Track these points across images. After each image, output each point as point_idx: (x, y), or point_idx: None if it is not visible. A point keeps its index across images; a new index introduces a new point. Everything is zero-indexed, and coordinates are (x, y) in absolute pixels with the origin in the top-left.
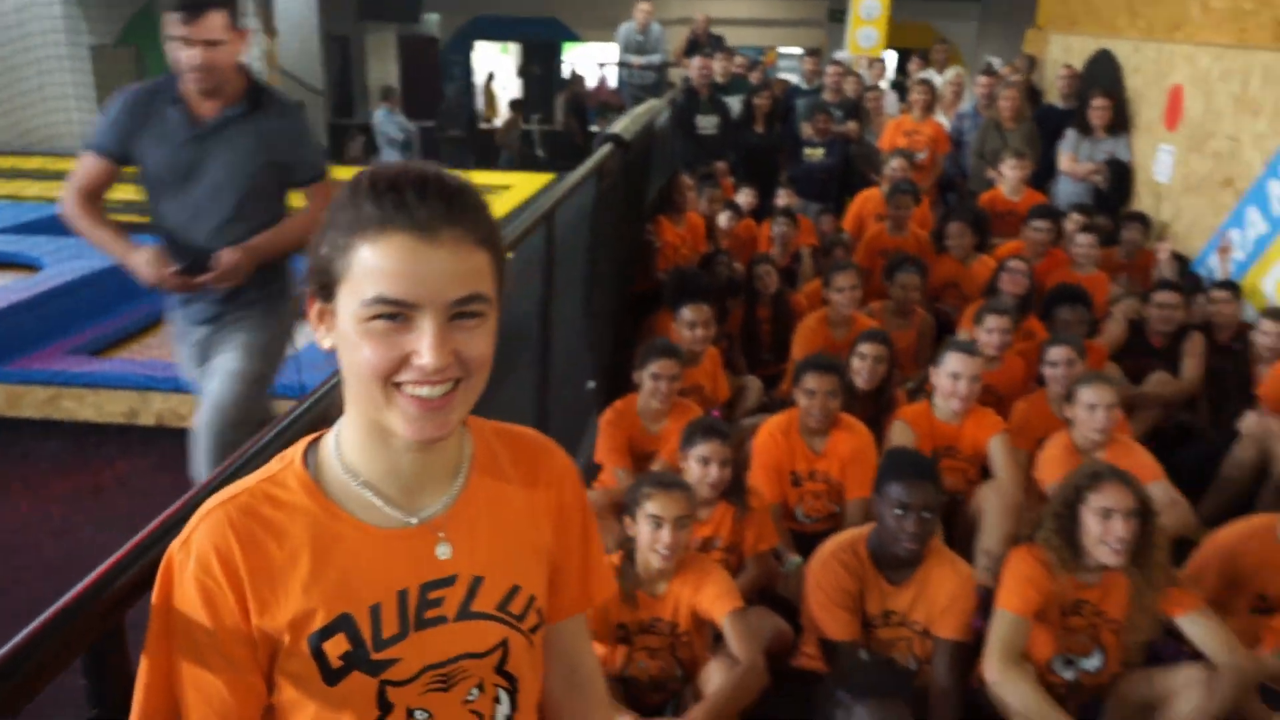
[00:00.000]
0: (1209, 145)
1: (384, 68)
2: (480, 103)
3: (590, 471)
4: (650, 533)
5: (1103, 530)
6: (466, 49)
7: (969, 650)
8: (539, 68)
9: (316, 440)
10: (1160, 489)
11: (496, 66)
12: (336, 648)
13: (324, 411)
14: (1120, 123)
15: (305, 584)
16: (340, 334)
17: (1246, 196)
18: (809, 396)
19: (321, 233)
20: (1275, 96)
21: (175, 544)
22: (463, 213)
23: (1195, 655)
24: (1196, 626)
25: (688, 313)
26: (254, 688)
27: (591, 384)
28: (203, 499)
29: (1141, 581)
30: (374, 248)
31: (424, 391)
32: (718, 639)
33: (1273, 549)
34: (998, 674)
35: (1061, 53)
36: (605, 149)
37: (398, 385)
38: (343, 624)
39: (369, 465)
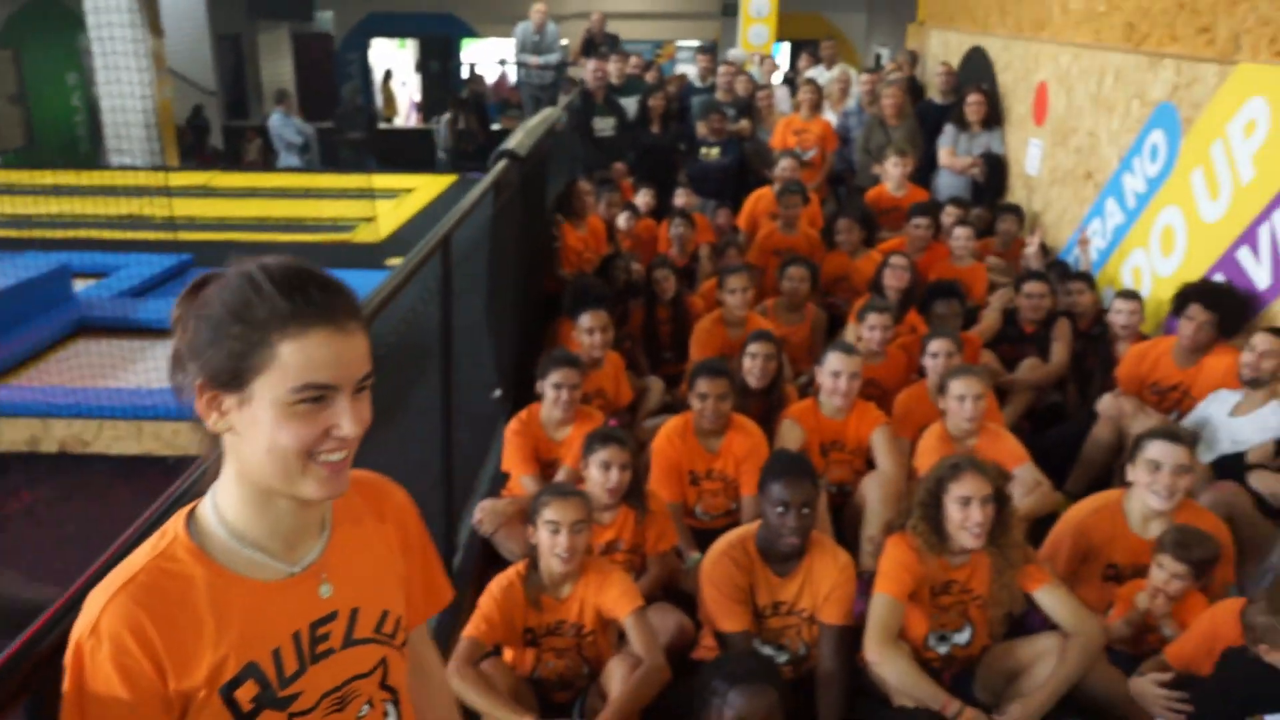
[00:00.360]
0: (1072, 140)
1: (278, 66)
2: (379, 101)
3: (499, 480)
4: (549, 538)
5: (962, 516)
6: (363, 46)
7: (853, 633)
8: (437, 64)
9: (194, 510)
10: (1026, 471)
11: (394, 63)
12: (247, 693)
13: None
14: (995, 117)
15: (213, 644)
16: (251, 419)
17: (1105, 188)
18: (701, 400)
19: (217, 328)
20: (1126, 95)
21: (81, 633)
22: (355, 305)
23: (1056, 625)
24: (1049, 599)
25: (586, 319)
26: None
27: (498, 393)
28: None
29: (1000, 561)
30: (296, 344)
31: (335, 456)
32: (622, 636)
33: (1118, 522)
34: (876, 653)
35: (940, 48)
36: (501, 165)
37: (313, 456)
38: (250, 672)
39: (253, 526)
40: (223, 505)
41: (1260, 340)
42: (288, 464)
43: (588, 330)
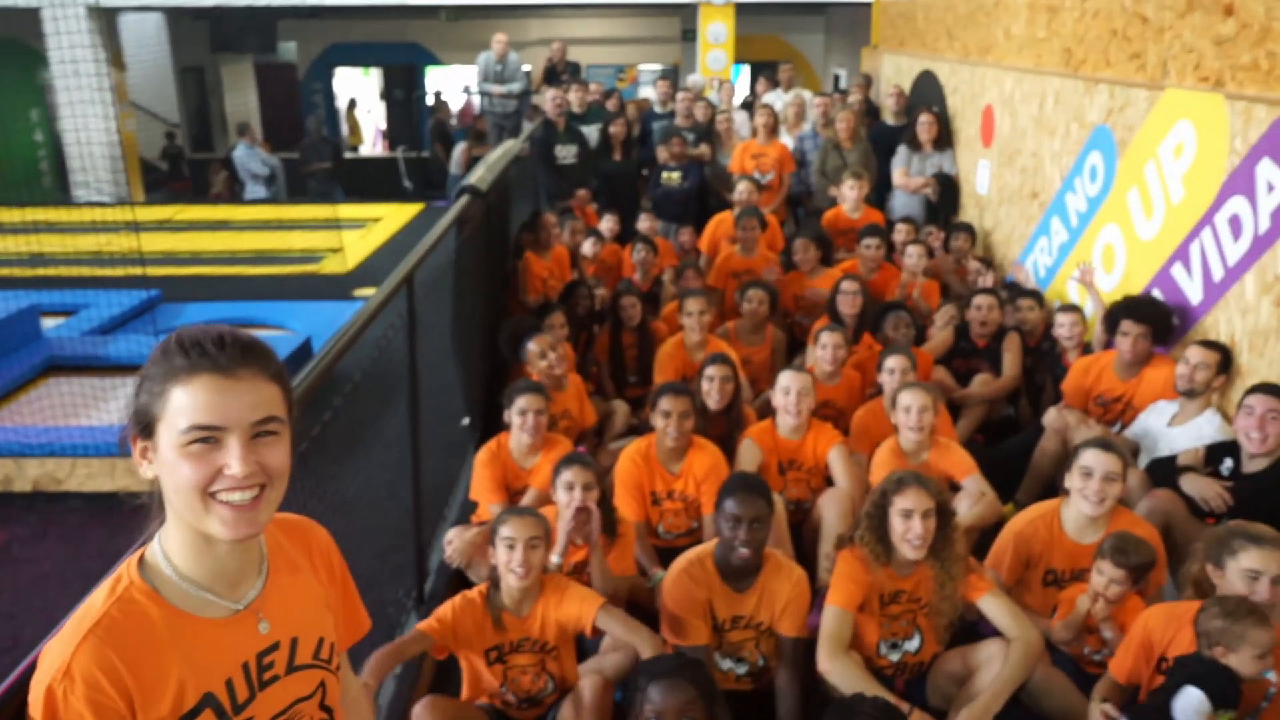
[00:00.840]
0: (1017, 161)
1: (242, 97)
2: (344, 130)
3: (469, 507)
4: (505, 554)
5: (904, 528)
6: (327, 76)
7: (809, 644)
8: (402, 92)
9: (143, 556)
10: (973, 482)
11: (358, 92)
12: (201, 716)
13: None
14: (945, 138)
15: (174, 678)
16: (161, 461)
17: (1050, 207)
18: (665, 418)
19: (138, 385)
20: (1066, 118)
21: (53, 678)
22: (255, 356)
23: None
24: (990, 606)
25: (532, 347)
26: None
27: (466, 420)
28: None
29: (942, 573)
30: (185, 389)
31: (235, 497)
32: (583, 657)
33: (1055, 529)
34: (827, 663)
35: (893, 71)
36: (463, 200)
37: (213, 495)
38: (208, 701)
39: (198, 568)
40: (169, 549)
41: (1193, 353)
42: (191, 502)
43: (539, 355)
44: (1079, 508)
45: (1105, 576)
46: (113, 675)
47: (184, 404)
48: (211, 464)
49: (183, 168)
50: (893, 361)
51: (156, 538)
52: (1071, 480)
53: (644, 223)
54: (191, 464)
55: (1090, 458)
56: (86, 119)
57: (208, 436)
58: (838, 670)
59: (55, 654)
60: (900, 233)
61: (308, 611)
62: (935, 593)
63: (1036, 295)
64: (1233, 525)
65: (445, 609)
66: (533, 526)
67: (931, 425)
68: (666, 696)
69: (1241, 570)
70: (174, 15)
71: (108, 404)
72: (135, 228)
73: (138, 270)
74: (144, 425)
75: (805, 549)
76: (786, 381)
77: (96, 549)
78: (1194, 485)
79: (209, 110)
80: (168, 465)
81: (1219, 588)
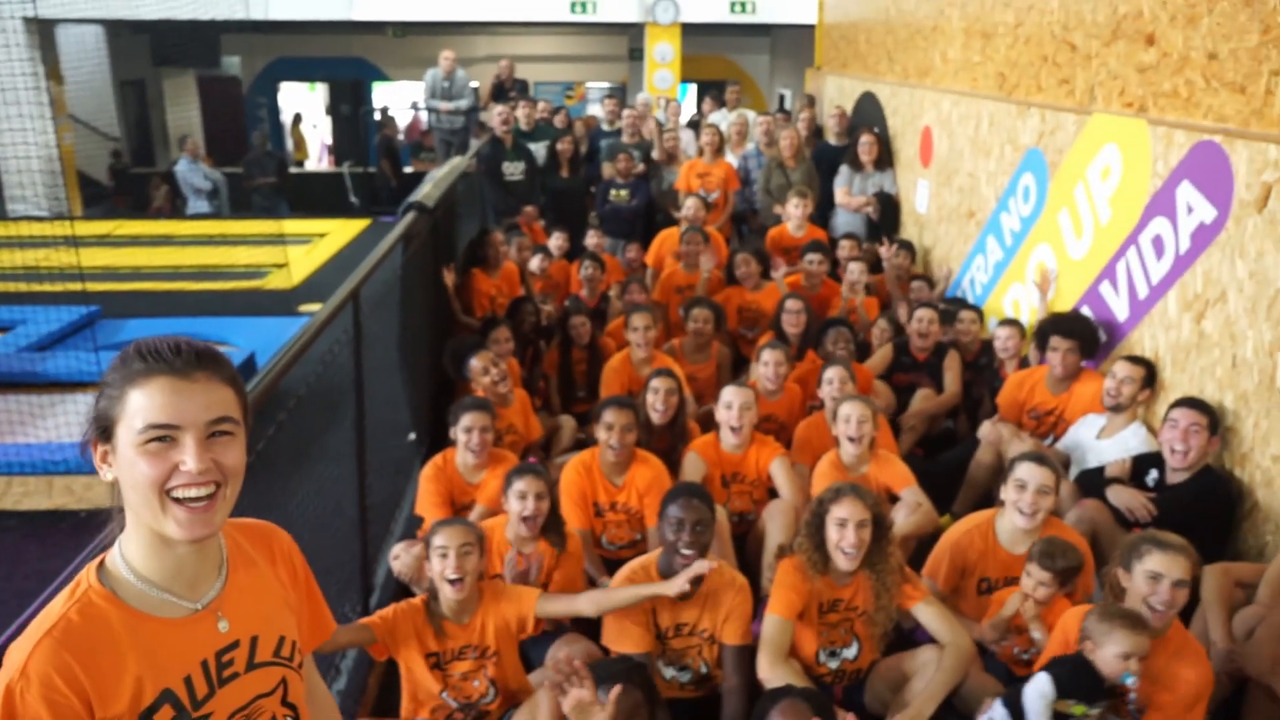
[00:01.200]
0: (955, 180)
1: (184, 111)
2: (289, 144)
3: (415, 521)
4: (439, 563)
5: (839, 537)
6: (272, 90)
7: (752, 651)
8: (348, 108)
9: (102, 562)
10: (910, 493)
11: (304, 107)
12: (164, 717)
13: None
14: (886, 158)
15: (132, 677)
16: (120, 462)
17: (986, 226)
18: (608, 430)
19: (99, 393)
20: (1000, 140)
21: (10, 678)
22: (210, 360)
23: None
24: (925, 614)
25: (475, 363)
26: None
27: (412, 436)
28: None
29: (878, 582)
30: (142, 391)
31: (191, 493)
32: (530, 668)
33: (990, 540)
34: (767, 671)
35: (836, 92)
36: (410, 217)
37: (169, 493)
38: (166, 697)
39: (157, 570)
40: (128, 554)
41: (1120, 368)
42: (149, 500)
43: (482, 371)
44: (1013, 519)
45: (1034, 579)
46: (67, 675)
47: (141, 405)
48: (168, 461)
49: (124, 183)
50: (830, 373)
51: (117, 543)
52: (1007, 492)
53: (591, 239)
54: (148, 461)
55: (1025, 471)
56: (24, 132)
57: (164, 435)
58: (777, 679)
59: (15, 655)
60: (843, 249)
61: (268, 610)
62: (871, 602)
63: (976, 309)
64: (1144, 532)
65: (388, 609)
66: (464, 534)
67: (871, 437)
68: (617, 700)
69: (1145, 572)
70: (113, 28)
71: (45, 421)
72: (74, 243)
73: (76, 286)
74: (103, 429)
75: (749, 560)
76: (729, 397)
77: (33, 568)
78: (1120, 497)
79: (150, 124)
80: (126, 464)
81: (1127, 591)
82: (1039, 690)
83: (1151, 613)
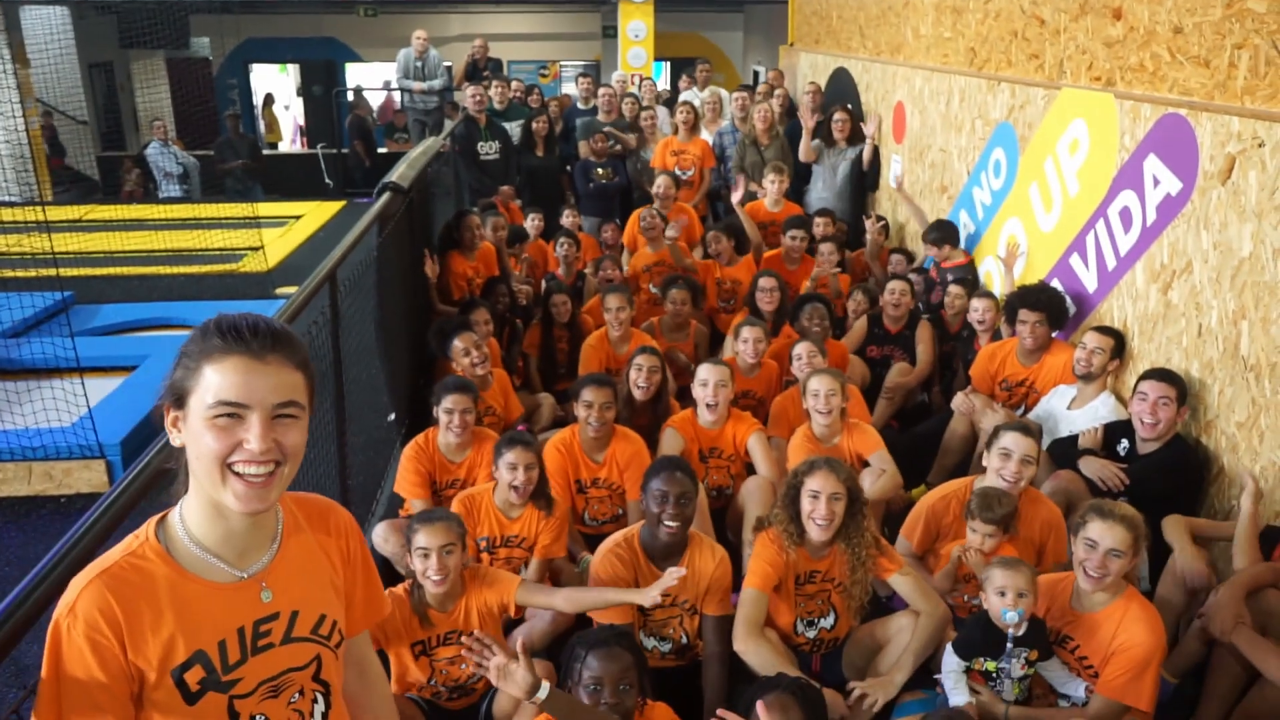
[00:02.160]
0: (927, 156)
1: (154, 94)
2: (261, 126)
3: (396, 500)
4: (421, 563)
5: (811, 508)
6: (243, 72)
7: (732, 620)
8: (320, 88)
9: (164, 518)
10: (877, 459)
11: (276, 88)
12: (194, 676)
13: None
14: (859, 134)
15: (169, 632)
16: (190, 431)
17: (958, 201)
18: (587, 408)
19: (176, 361)
20: (971, 115)
21: (60, 612)
22: (284, 345)
23: None
24: (900, 583)
25: (458, 344)
26: (125, 710)
27: (392, 416)
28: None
29: (852, 554)
30: (217, 367)
31: (250, 470)
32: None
33: (965, 507)
34: (742, 643)
35: (809, 68)
36: (385, 198)
37: (230, 467)
38: (198, 658)
39: (209, 535)
40: (186, 516)
41: (1090, 338)
42: (211, 471)
43: (463, 353)
44: (994, 486)
45: (979, 533)
46: (110, 618)
47: (214, 381)
48: (233, 437)
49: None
50: (799, 349)
51: (179, 504)
52: (990, 460)
53: (567, 219)
54: (215, 435)
55: (1010, 440)
56: None
57: (232, 412)
58: (752, 651)
59: (69, 592)
60: (818, 226)
61: (312, 587)
62: (847, 575)
63: (966, 283)
64: (1094, 500)
65: None
66: (445, 533)
67: (841, 408)
68: (605, 664)
69: (1084, 539)
70: (79, 9)
71: (21, 408)
72: (46, 228)
73: (49, 271)
74: (177, 397)
75: (727, 534)
76: (705, 374)
77: (14, 555)
78: (1091, 467)
79: (119, 107)
80: (194, 434)
81: (1073, 556)
82: (946, 664)
83: (1086, 578)
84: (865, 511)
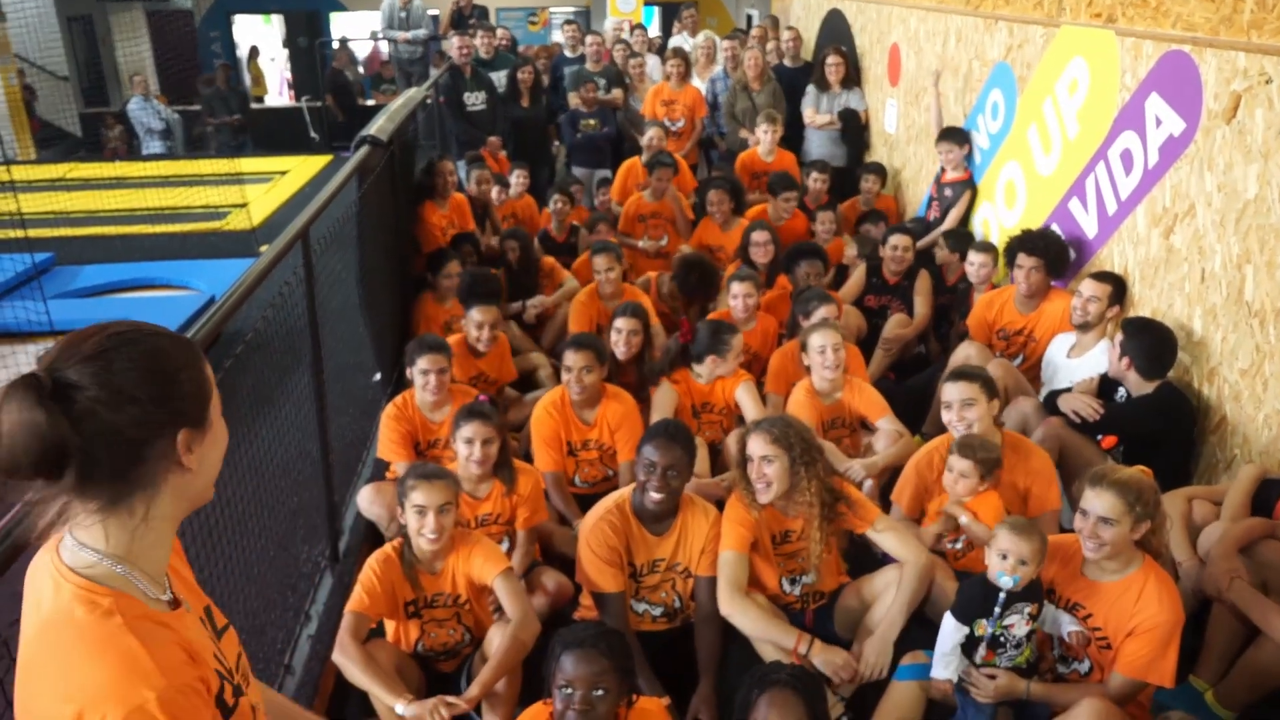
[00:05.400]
0: (923, 99)
1: (135, 47)
2: (247, 80)
3: (382, 464)
4: (416, 520)
5: (751, 472)
6: (225, 23)
7: None
8: (305, 39)
9: (89, 579)
10: (887, 422)
11: (260, 40)
12: (226, 692)
13: None
14: (853, 77)
15: (201, 669)
16: (213, 438)
17: None
18: (568, 372)
19: (185, 372)
20: (968, 56)
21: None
22: None
23: None
24: (879, 536)
25: (476, 314)
26: None
27: (377, 376)
28: None
29: (809, 511)
30: None
31: None
32: (499, 609)
33: (946, 461)
34: (728, 606)
35: (802, 10)
36: (363, 151)
37: None
38: (221, 675)
39: (152, 564)
40: (134, 554)
41: (1086, 286)
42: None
43: (478, 324)
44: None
45: (955, 471)
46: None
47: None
48: None
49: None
50: (825, 310)
51: (99, 555)
52: (946, 415)
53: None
54: None
55: (948, 391)
56: None
57: None
58: (739, 613)
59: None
60: (815, 182)
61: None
62: (805, 534)
63: (909, 233)
64: (1094, 469)
65: (370, 580)
66: (442, 492)
67: (844, 362)
68: (578, 666)
69: (1080, 508)
70: None
71: None
72: (23, 188)
73: (34, 232)
74: (200, 414)
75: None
76: (736, 289)
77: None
78: (1067, 402)
79: (100, 62)
80: (218, 434)
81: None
82: (945, 629)
83: (1085, 548)
84: (817, 471)
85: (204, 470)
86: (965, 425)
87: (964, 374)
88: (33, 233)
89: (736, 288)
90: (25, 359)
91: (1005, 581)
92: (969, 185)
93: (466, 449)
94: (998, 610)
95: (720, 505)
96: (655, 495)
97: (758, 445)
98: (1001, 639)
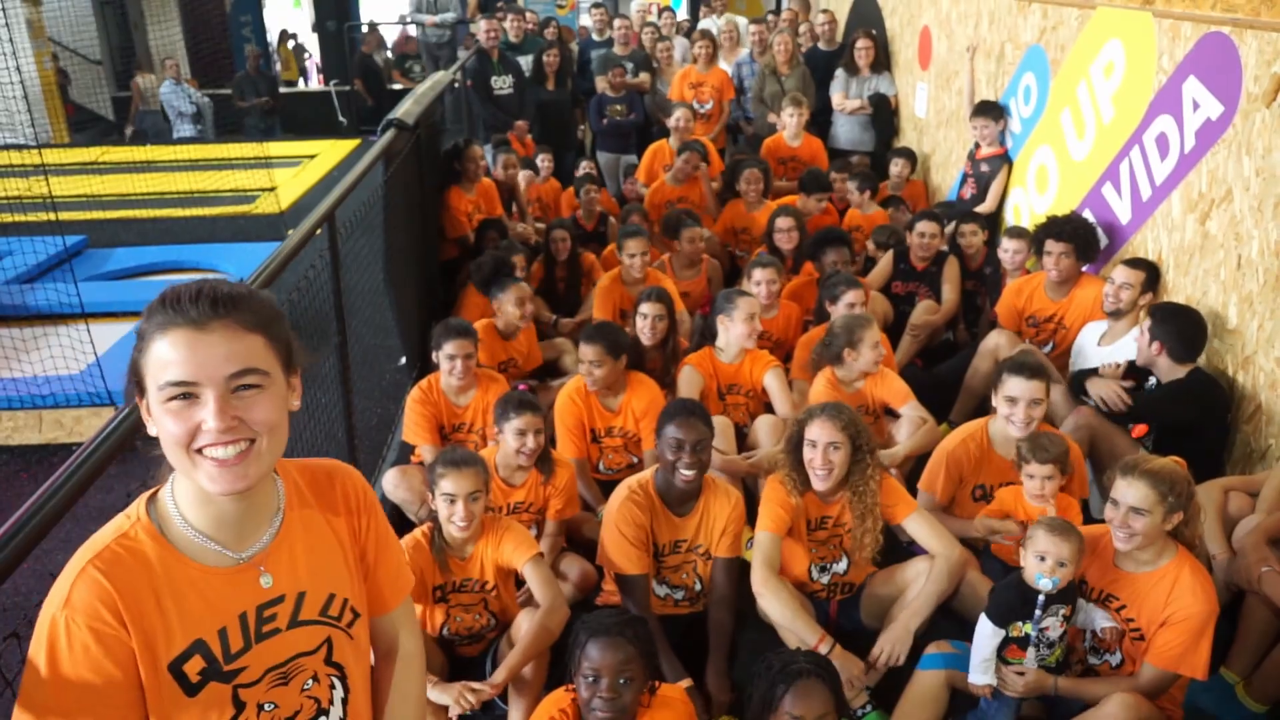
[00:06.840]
0: (954, 83)
1: (167, 31)
2: (277, 64)
3: (408, 446)
4: (446, 508)
5: (810, 457)
6: (256, 7)
7: (744, 565)
8: (334, 23)
9: (155, 495)
10: (911, 409)
11: (291, 24)
12: (194, 667)
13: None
14: (883, 61)
15: (165, 620)
16: (152, 417)
17: None
18: (582, 364)
19: (136, 344)
20: (1000, 38)
21: (54, 607)
22: (229, 306)
23: None
24: (913, 526)
25: (511, 294)
26: (137, 703)
27: (403, 361)
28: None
29: (857, 502)
30: (161, 344)
31: (218, 453)
32: (523, 588)
33: (984, 446)
34: (760, 585)
35: None
36: (389, 135)
37: (199, 450)
38: (197, 647)
39: (201, 517)
40: (177, 495)
41: (1119, 273)
42: (179, 457)
43: (515, 303)
44: (1006, 431)
45: (1038, 477)
46: (110, 606)
47: (159, 358)
48: (190, 419)
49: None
50: (853, 295)
51: (170, 479)
52: (998, 404)
53: (584, 168)
54: (171, 419)
55: (1015, 387)
56: (1, 57)
57: (185, 393)
58: (771, 593)
59: (59, 586)
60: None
61: (320, 566)
62: (855, 524)
63: (980, 219)
64: (1131, 456)
65: None
66: (472, 480)
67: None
68: (605, 654)
69: (1112, 498)
70: None
71: (30, 355)
72: (56, 171)
73: (67, 215)
74: (137, 382)
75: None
76: (759, 275)
77: (26, 503)
78: (1096, 388)
79: (133, 46)
80: (156, 420)
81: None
82: (981, 631)
83: (1116, 539)
84: (872, 459)
85: (161, 441)
86: (1026, 423)
87: (1031, 370)
88: (65, 216)
89: (758, 274)
90: (59, 340)
91: (1045, 584)
92: (1005, 160)
93: (518, 440)
94: (1038, 614)
95: (744, 485)
96: (686, 473)
97: (826, 431)
98: (1036, 640)
